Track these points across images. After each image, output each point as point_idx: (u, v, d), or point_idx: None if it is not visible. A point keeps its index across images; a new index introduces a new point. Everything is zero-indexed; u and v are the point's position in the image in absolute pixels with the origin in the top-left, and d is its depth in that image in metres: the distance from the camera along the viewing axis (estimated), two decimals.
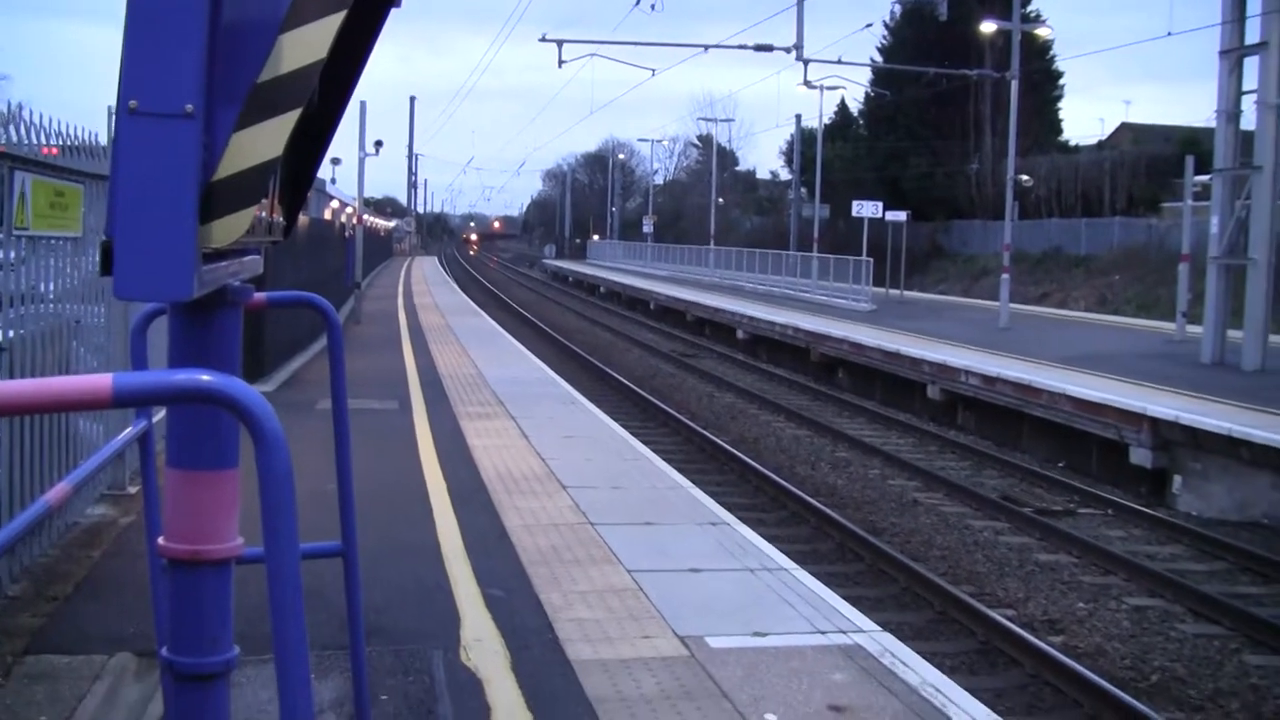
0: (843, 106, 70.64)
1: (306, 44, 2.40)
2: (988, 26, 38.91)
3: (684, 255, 71.27)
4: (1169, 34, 30.65)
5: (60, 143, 8.46)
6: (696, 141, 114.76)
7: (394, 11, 2.95)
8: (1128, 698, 9.04)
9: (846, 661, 6.89)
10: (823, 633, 7.41)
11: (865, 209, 45.48)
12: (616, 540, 9.50)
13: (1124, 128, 73.66)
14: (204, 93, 2.25)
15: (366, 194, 39.78)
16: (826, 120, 62.25)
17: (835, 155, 63.89)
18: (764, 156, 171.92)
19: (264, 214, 2.77)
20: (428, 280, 63.42)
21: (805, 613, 7.81)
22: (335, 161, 57.08)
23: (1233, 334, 23.10)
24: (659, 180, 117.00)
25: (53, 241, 8.62)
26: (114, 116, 2.33)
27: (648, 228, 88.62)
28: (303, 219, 20.63)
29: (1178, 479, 16.96)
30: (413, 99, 71.50)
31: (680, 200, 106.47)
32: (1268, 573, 13.21)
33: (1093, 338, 29.69)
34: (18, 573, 7.82)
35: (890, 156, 62.37)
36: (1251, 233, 22.55)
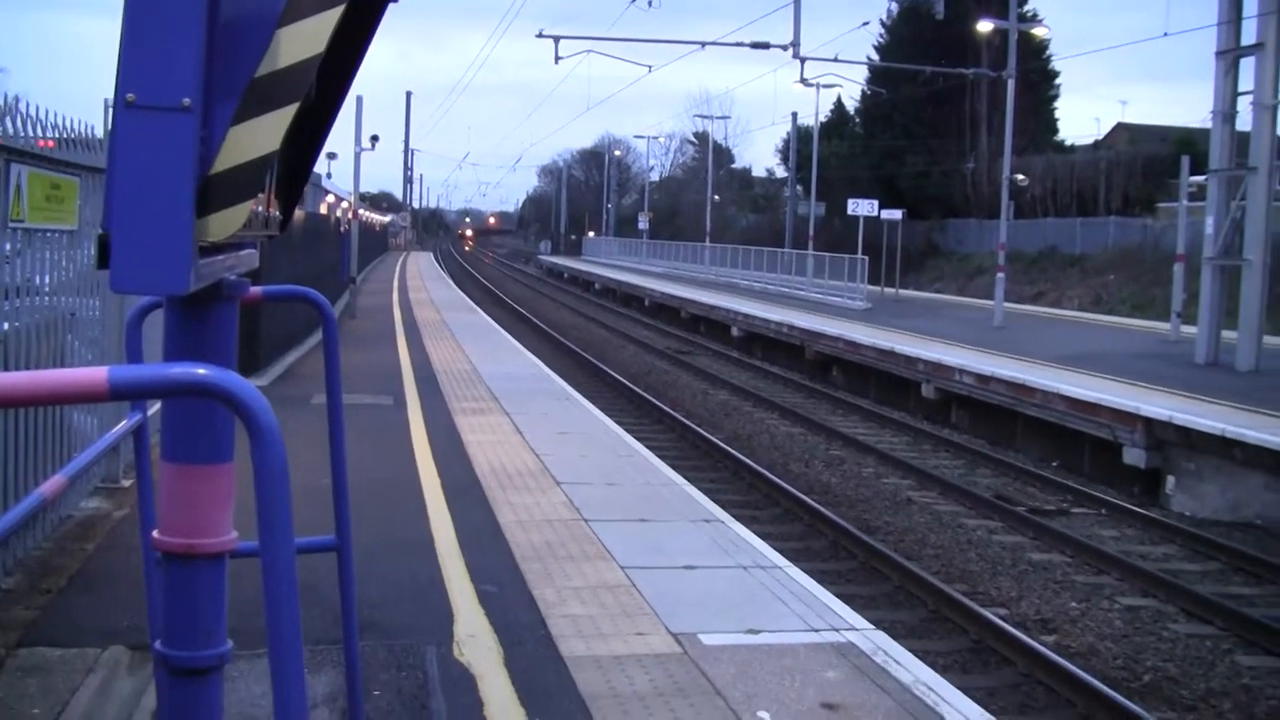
0: (839, 105, 70.77)
1: (304, 38, 2.40)
2: (984, 26, 38.96)
3: (679, 252, 71.21)
4: (1165, 34, 30.67)
5: (56, 135, 8.45)
6: (692, 138, 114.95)
7: (391, 6, 2.95)
8: (1120, 697, 9.05)
9: (839, 659, 6.90)
10: (816, 630, 7.42)
11: (861, 207, 45.53)
12: (610, 537, 9.50)
13: (1120, 128, 73.75)
14: (201, 87, 2.25)
15: (362, 189, 39.77)
16: (823, 118, 62.43)
17: (831, 153, 63.91)
18: (760, 154, 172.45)
19: (260, 208, 2.77)
20: (423, 275, 63.40)
21: (798, 610, 7.81)
22: (331, 156, 57.03)
23: (1227, 334, 23.13)
24: (655, 177, 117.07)
25: (48, 234, 8.61)
26: (111, 110, 2.33)
27: (643, 224, 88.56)
28: (299, 213, 20.62)
29: (1171, 479, 16.98)
30: (409, 94, 71.45)
31: (676, 197, 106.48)
32: (1260, 573, 13.23)
33: (1087, 337, 29.72)
34: (11, 565, 7.81)
35: (886, 155, 62.38)
36: (1246, 233, 22.58)
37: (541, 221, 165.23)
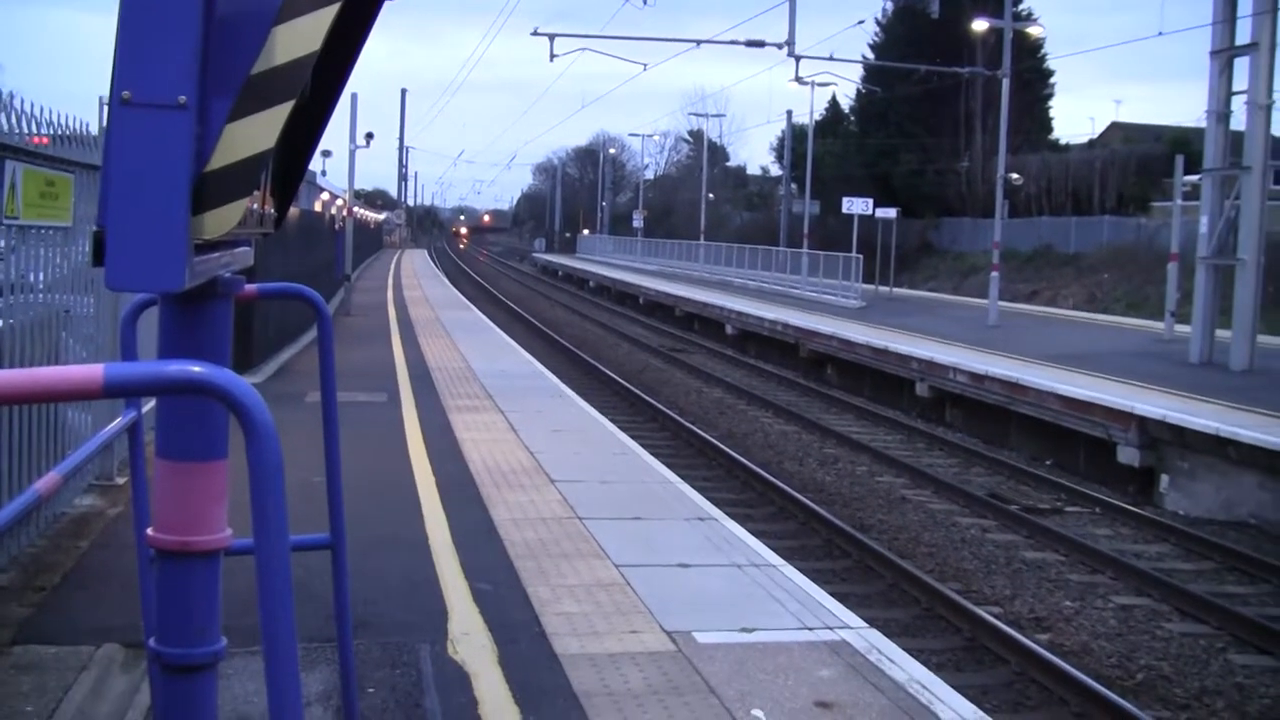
0: (834, 103, 70.71)
1: (300, 36, 2.40)
2: (979, 24, 38.94)
3: (674, 250, 71.22)
4: (1160, 34, 30.82)
5: (51, 132, 8.44)
6: (687, 137, 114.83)
7: (386, 3, 2.95)
8: (1114, 696, 9.06)
9: (833, 658, 6.90)
10: (810, 629, 7.42)
11: (855, 205, 45.53)
12: (604, 535, 9.51)
13: (1114, 127, 73.81)
14: (197, 84, 2.25)
15: (357, 186, 39.72)
16: (818, 116, 62.27)
17: (826, 151, 63.90)
18: (755, 152, 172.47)
19: (256, 205, 2.77)
20: (418, 273, 63.37)
21: (792, 609, 7.82)
22: (326, 154, 56.83)
23: (1221, 333, 23.16)
24: (649, 175, 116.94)
25: (43, 231, 8.60)
26: (106, 107, 2.33)
27: (638, 222, 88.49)
28: (293, 211, 20.59)
29: (1165, 478, 17.00)
30: (404, 92, 71.52)
31: (671, 195, 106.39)
32: (1254, 572, 13.25)
33: (1081, 336, 29.75)
34: (5, 563, 7.80)
35: (881, 153, 62.39)
36: (1240, 233, 22.61)
37: (536, 219, 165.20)
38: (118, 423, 3.79)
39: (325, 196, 44.95)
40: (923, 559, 13.46)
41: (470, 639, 7.01)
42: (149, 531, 2.60)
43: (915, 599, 11.75)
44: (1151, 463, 17.22)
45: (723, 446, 18.64)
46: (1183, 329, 26.34)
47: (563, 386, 19.25)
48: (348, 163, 36.96)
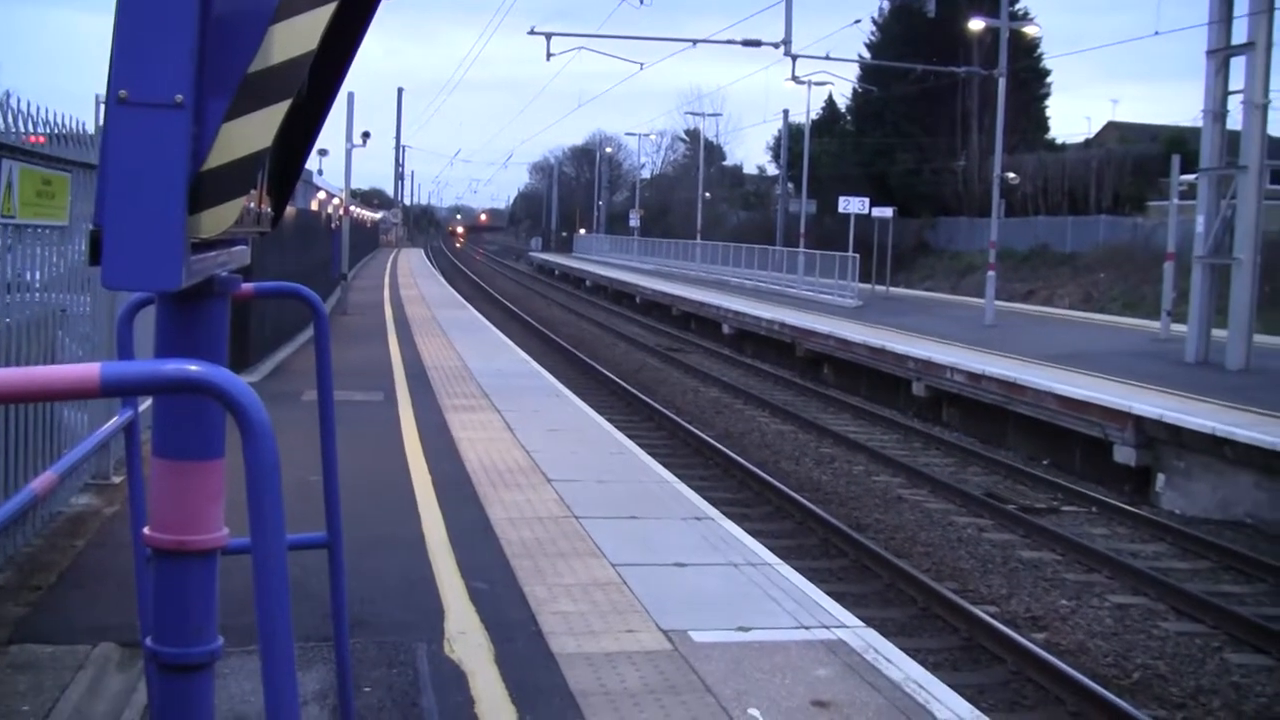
0: (830, 102, 70.70)
1: (297, 35, 2.40)
2: (976, 24, 38.98)
3: (670, 249, 71.24)
4: (1156, 33, 30.84)
5: (47, 131, 8.43)
6: (684, 136, 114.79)
7: (383, 2, 2.95)
8: (1110, 695, 9.06)
9: (830, 657, 6.91)
10: (806, 628, 7.42)
11: (852, 205, 45.55)
12: (601, 534, 9.51)
13: (1111, 126, 73.82)
14: (194, 83, 2.25)
15: (353, 185, 39.70)
16: (814, 116, 62.33)
17: (822, 151, 63.93)
18: (751, 151, 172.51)
19: (252, 204, 2.77)
20: (414, 272, 63.35)
21: (789, 608, 7.82)
22: (322, 153, 56.94)
23: (1217, 333, 23.17)
24: (646, 174, 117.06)
25: (39, 230, 8.60)
26: (103, 106, 2.33)
27: (634, 221, 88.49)
28: (290, 210, 20.60)
29: (1161, 477, 17.02)
30: (400, 90, 71.49)
31: (667, 194, 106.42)
32: (1250, 571, 13.26)
33: (1078, 335, 29.76)
34: (1, 562, 7.80)
35: (877, 152, 62.42)
36: (1237, 232, 22.61)
37: (533, 218, 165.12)
38: (114, 422, 3.79)
39: (322, 195, 44.98)
40: (919, 558, 13.47)
41: (467, 638, 7.01)
42: (145, 531, 2.59)
43: (912, 598, 11.75)
44: (1148, 462, 17.24)
45: (719, 446, 18.65)
46: (1179, 328, 26.34)
47: (559, 386, 19.25)
48: (344, 162, 37.07)
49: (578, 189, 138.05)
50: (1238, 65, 23.04)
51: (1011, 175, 37.57)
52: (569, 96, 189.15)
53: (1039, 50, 58.92)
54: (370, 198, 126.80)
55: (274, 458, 1.96)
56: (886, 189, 57.24)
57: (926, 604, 11.51)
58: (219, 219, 2.38)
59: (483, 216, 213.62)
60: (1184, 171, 30.25)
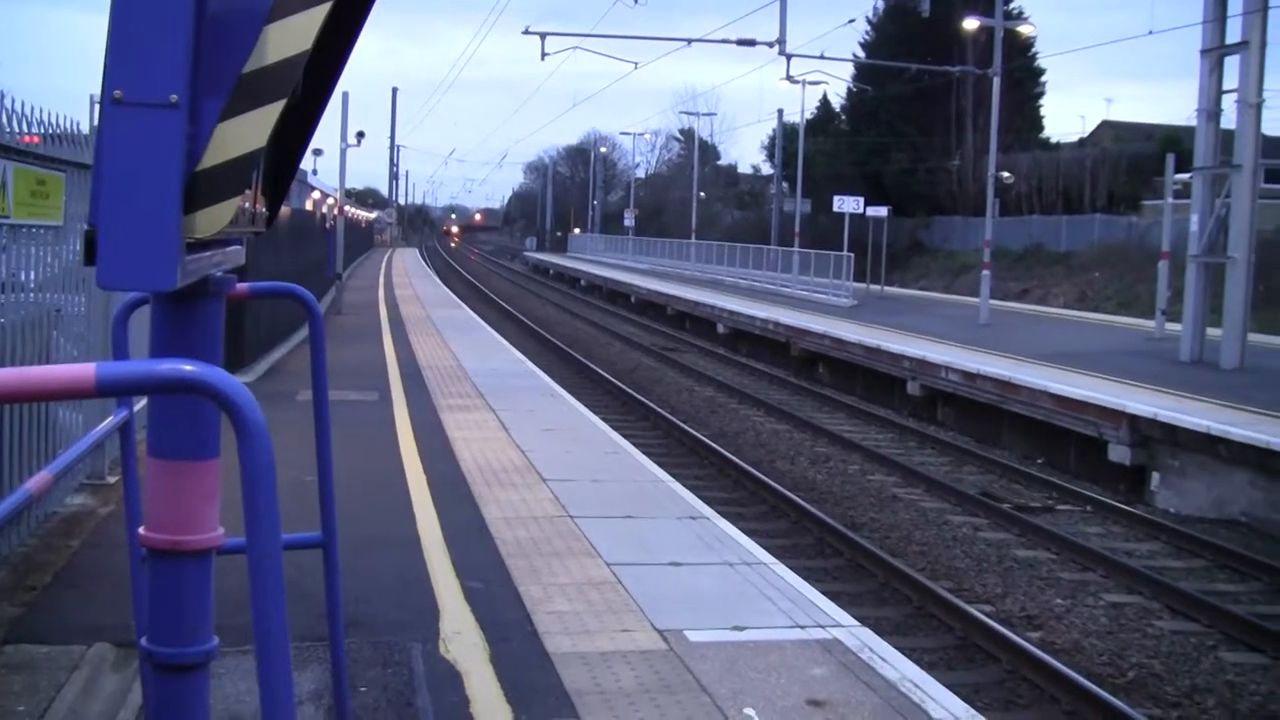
0: (825, 101, 70.79)
1: (292, 35, 2.40)
2: (970, 23, 39.01)
3: (665, 249, 71.23)
4: (1150, 33, 30.80)
5: (42, 131, 8.42)
6: (678, 135, 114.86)
7: (378, 1, 2.95)
8: (1105, 694, 9.07)
9: (825, 656, 6.91)
10: (802, 627, 7.43)
11: (846, 204, 45.54)
12: (596, 533, 9.51)
13: (1105, 125, 73.90)
14: (189, 83, 2.25)
15: (348, 185, 39.73)
16: (808, 115, 62.44)
17: (817, 150, 63.96)
18: (746, 151, 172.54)
19: (247, 204, 2.77)
20: (409, 272, 63.33)
21: (784, 607, 7.82)
22: (317, 153, 56.90)
23: (1211, 332, 23.21)
24: (640, 174, 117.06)
25: (33, 230, 8.58)
26: (98, 105, 2.32)
27: (629, 221, 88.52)
28: (285, 210, 20.60)
29: (1156, 476, 17.03)
30: (395, 90, 71.21)
31: (662, 194, 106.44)
32: (1245, 570, 13.27)
33: (1072, 334, 29.80)
34: None
35: (872, 152, 62.45)
36: (1231, 231, 22.64)
37: (527, 218, 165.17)
38: (109, 422, 3.79)
39: (316, 195, 44.98)
40: (914, 557, 13.47)
41: (462, 638, 7.01)
42: (140, 531, 2.59)
43: (907, 597, 11.76)
44: (1142, 461, 17.25)
45: (714, 445, 18.65)
46: (1173, 327, 26.38)
47: (554, 385, 19.25)
48: (339, 161, 37.03)
49: (572, 188, 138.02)
50: (1232, 64, 23.06)
51: (1006, 174, 37.62)
52: (564, 96, 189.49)
53: (1033, 49, 59.05)
54: (365, 197, 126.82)
55: (269, 458, 1.96)
56: (881, 188, 57.28)
57: (921, 603, 11.52)
58: (214, 219, 2.38)
59: (477, 216, 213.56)
60: (1178, 170, 30.28)
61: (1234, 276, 22.46)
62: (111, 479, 10.23)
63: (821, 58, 48.51)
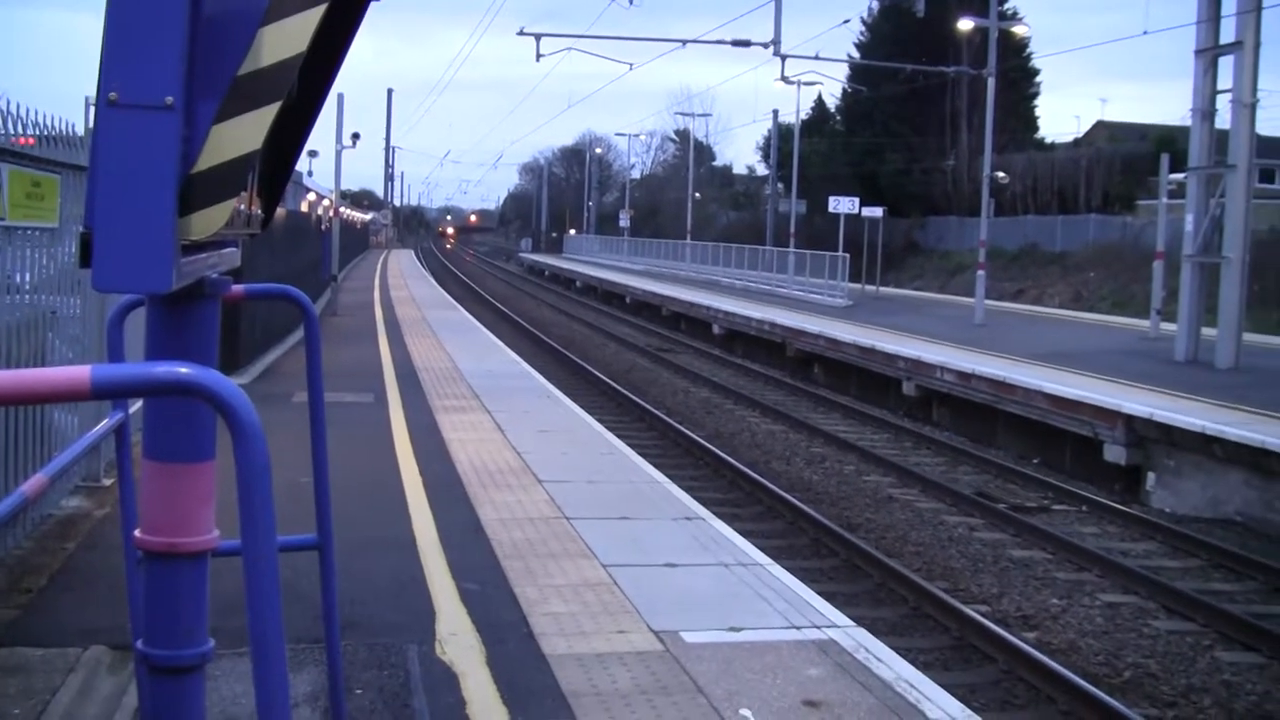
0: (820, 102, 70.81)
1: (287, 37, 2.40)
2: (965, 24, 39.03)
3: (660, 250, 71.22)
4: (1145, 33, 30.83)
5: (37, 133, 8.41)
6: (674, 136, 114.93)
7: (373, 3, 2.95)
8: (1101, 694, 9.07)
9: (821, 657, 6.91)
10: (798, 628, 7.43)
11: (841, 204, 45.55)
12: (592, 535, 9.50)
13: (1100, 125, 74.04)
14: (184, 85, 2.25)
15: (343, 186, 39.70)
16: (804, 116, 62.44)
17: (812, 151, 63.95)
18: (741, 152, 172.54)
19: (243, 206, 2.77)
20: (404, 273, 63.31)
21: (780, 608, 7.82)
22: (312, 154, 56.84)
23: (1206, 332, 23.22)
24: (636, 175, 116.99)
25: (29, 232, 8.58)
26: (93, 107, 2.32)
27: (624, 222, 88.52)
28: (280, 211, 20.60)
29: (1151, 476, 17.05)
30: (390, 91, 71.12)
31: (657, 195, 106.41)
32: (1240, 570, 13.28)
33: (1067, 334, 29.82)
34: None
35: (867, 152, 62.47)
36: (1226, 231, 22.68)
37: (523, 219, 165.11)
38: (104, 424, 3.79)
39: (312, 197, 44.93)
40: (910, 558, 13.47)
41: (458, 639, 7.01)
42: (136, 533, 2.60)
43: (903, 598, 11.76)
44: (1138, 461, 17.26)
45: (710, 446, 18.64)
46: (1168, 327, 26.41)
47: (550, 386, 19.24)
48: (334, 163, 37.00)
49: (567, 190, 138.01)
50: (1226, 64, 23.11)
51: (1001, 174, 37.62)
52: (559, 97, 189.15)
53: (1028, 50, 59.04)
54: (360, 199, 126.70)
55: (264, 459, 1.96)
56: (876, 189, 57.28)
57: (917, 603, 11.52)
58: (209, 221, 2.38)
59: (473, 217, 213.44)
60: (1173, 170, 30.33)
61: (1229, 276, 22.48)
62: (107, 481, 10.22)
63: (816, 58, 48.61)
